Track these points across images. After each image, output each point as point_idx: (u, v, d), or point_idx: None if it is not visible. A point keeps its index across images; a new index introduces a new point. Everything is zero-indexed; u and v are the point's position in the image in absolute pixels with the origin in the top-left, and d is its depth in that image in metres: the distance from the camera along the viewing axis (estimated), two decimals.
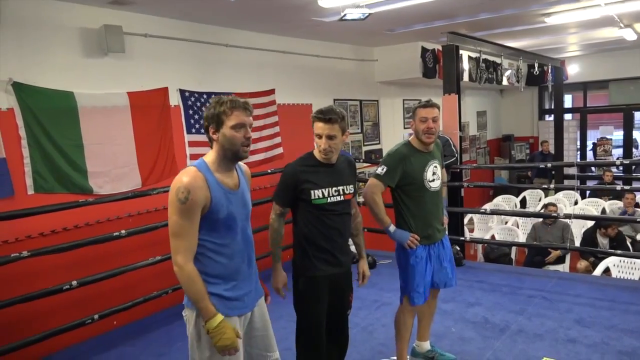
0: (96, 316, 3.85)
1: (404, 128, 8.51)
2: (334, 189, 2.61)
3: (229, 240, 2.04)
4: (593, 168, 10.67)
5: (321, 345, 2.67)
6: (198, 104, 5.07)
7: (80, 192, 4.09)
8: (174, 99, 4.89)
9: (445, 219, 3.35)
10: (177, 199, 1.92)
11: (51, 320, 3.74)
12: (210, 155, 2.06)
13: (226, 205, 2.00)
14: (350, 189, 2.68)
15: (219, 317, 1.96)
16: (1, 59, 3.64)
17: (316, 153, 2.65)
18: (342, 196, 2.63)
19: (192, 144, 5.03)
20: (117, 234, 4.02)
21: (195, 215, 1.94)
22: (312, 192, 2.55)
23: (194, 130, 5.03)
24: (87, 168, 4.14)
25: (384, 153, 8.27)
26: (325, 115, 2.51)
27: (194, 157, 5.03)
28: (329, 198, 2.58)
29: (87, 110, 4.13)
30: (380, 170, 2.98)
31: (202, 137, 5.10)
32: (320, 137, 2.54)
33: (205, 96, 5.14)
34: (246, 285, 2.12)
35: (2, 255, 3.46)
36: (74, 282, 3.72)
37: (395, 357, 3.34)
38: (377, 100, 7.86)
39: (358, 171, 6.85)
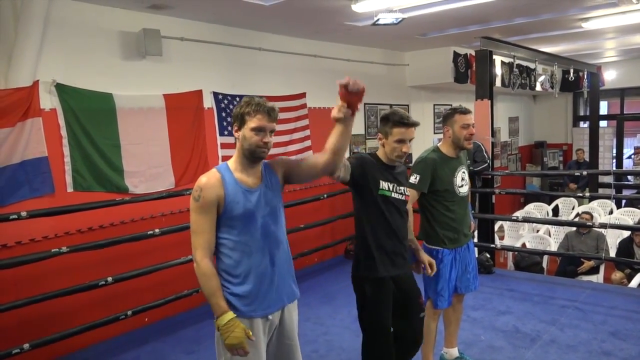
0: (129, 312, 3.95)
1: (434, 133, 8.44)
2: (397, 187, 2.65)
3: (247, 237, 2.04)
4: (630, 177, 10.36)
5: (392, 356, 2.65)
6: (231, 106, 5.15)
7: (117, 191, 4.20)
8: (208, 102, 4.98)
9: (473, 225, 3.34)
10: (193, 198, 2.03)
11: (87, 315, 3.85)
12: (234, 155, 2.13)
13: (243, 202, 2.03)
14: (408, 191, 2.73)
15: (229, 314, 1.97)
16: (46, 61, 3.78)
17: (382, 156, 2.67)
18: (403, 196, 2.67)
19: (224, 145, 5.10)
20: (151, 232, 4.12)
21: (209, 212, 2.01)
22: (380, 182, 2.58)
23: (226, 133, 5.11)
24: (123, 167, 4.26)
25: (414, 158, 8.19)
26: (410, 120, 2.58)
27: (226, 158, 5.04)
28: (392, 193, 2.62)
29: (124, 111, 4.25)
30: (414, 179, 2.99)
31: (234, 139, 5.17)
32: (403, 141, 2.57)
33: (237, 99, 5.21)
34: (268, 285, 2.08)
35: (43, 250, 3.59)
36: (109, 279, 3.82)
37: None
38: (407, 105, 7.81)
39: None
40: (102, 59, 4.17)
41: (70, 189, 3.96)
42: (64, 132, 3.91)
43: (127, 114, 4.26)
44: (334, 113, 2.14)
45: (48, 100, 3.83)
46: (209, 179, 2.03)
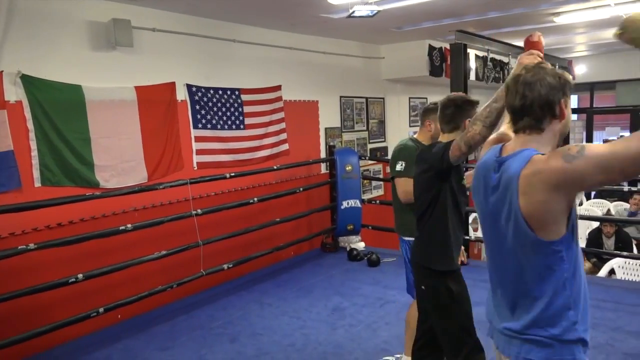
0: (101, 309, 3.86)
1: (410, 126, 8.49)
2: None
3: (577, 248, 1.51)
4: None
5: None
6: (205, 99, 5.07)
7: (87, 186, 4.10)
8: (181, 94, 4.89)
9: None
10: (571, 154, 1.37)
11: (57, 313, 3.75)
12: (542, 141, 1.51)
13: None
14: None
15: None
16: (10, 51, 3.64)
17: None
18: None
19: (199, 139, 5.02)
20: (123, 227, 4.03)
21: None
22: (462, 171, 2.44)
23: (200, 125, 5.03)
24: (94, 161, 4.15)
25: (389, 151, 8.17)
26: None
27: (201, 152, 5.03)
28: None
29: (94, 103, 4.13)
30: (400, 166, 2.96)
31: (209, 132, 5.11)
32: None
33: (212, 91, 5.13)
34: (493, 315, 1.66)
35: (9, 247, 3.48)
36: (80, 275, 3.73)
37: (399, 355, 3.35)
38: (383, 98, 7.84)
39: (363, 169, 6.86)
40: (70, 49, 4.05)
41: (38, 184, 3.84)
42: (30, 125, 3.78)
43: (97, 107, 4.15)
44: (533, 60, 1.79)
45: (13, 92, 3.69)
46: None
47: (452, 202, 2.44)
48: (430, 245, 2.48)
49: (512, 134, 1.65)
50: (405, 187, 2.95)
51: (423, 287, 2.53)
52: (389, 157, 3.15)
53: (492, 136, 1.84)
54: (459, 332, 2.45)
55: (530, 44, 1.97)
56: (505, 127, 1.88)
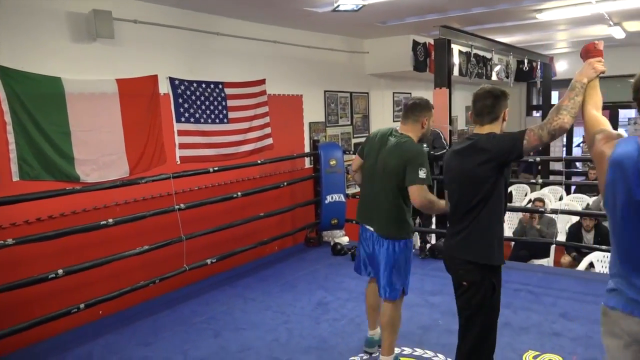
0: (82, 305, 3.81)
1: (394, 121, 8.51)
2: None
3: None
4: (578, 164, 10.79)
5: None
6: (188, 92, 5.01)
7: (67, 180, 4.02)
8: (164, 87, 4.82)
9: None
10: None
11: (36, 309, 3.69)
12: None
13: None
14: None
15: None
16: None
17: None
18: None
19: (182, 132, 4.97)
20: (104, 222, 3.98)
21: None
22: None
23: (183, 119, 4.98)
24: (74, 155, 4.08)
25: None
26: None
27: (183, 146, 4.98)
28: None
29: (74, 96, 4.05)
30: (423, 174, 2.84)
31: (192, 126, 5.06)
32: None
33: (195, 85, 5.07)
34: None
35: None
36: (60, 271, 3.67)
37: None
38: (367, 93, 7.85)
39: (347, 164, 6.87)
40: (49, 41, 3.96)
41: (16, 178, 3.76)
42: (8, 118, 3.69)
43: (77, 99, 4.07)
44: (604, 67, 2.25)
45: None
46: None
47: (505, 193, 2.42)
48: (485, 239, 2.40)
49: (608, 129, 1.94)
50: (425, 192, 2.84)
51: (465, 283, 2.46)
52: (413, 155, 2.99)
53: (599, 135, 1.95)
54: (486, 331, 2.48)
55: (597, 52, 2.27)
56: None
